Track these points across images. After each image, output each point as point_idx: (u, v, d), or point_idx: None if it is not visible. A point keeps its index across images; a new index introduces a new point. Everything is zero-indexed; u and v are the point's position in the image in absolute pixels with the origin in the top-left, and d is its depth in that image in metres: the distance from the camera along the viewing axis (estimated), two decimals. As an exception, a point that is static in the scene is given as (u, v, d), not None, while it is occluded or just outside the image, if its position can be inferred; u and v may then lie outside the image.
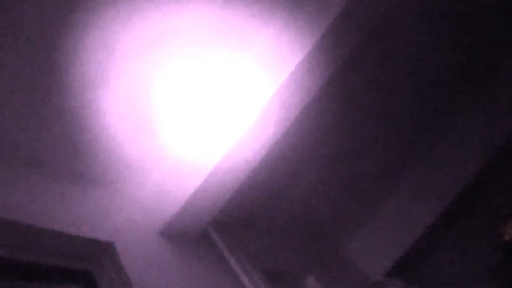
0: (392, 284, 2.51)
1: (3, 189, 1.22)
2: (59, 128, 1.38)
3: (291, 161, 2.03)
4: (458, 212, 2.67)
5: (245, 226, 2.10)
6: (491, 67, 2.61)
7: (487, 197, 2.64)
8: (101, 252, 1.36)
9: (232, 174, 1.61)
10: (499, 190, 2.62)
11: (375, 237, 2.70)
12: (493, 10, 2.33)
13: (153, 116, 1.55)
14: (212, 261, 1.69)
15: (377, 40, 1.93)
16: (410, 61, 2.17)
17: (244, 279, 1.69)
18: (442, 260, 2.69)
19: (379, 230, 2.71)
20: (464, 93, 2.61)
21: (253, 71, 1.57)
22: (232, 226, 2.01)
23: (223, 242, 1.80)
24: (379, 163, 2.51)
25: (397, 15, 1.91)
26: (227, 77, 1.61)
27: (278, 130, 1.62)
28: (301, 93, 1.58)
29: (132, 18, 1.31)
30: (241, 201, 1.97)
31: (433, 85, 2.40)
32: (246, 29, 1.54)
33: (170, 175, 1.63)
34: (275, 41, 1.55)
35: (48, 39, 1.22)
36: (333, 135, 2.12)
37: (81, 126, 1.42)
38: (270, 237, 2.21)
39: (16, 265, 1.19)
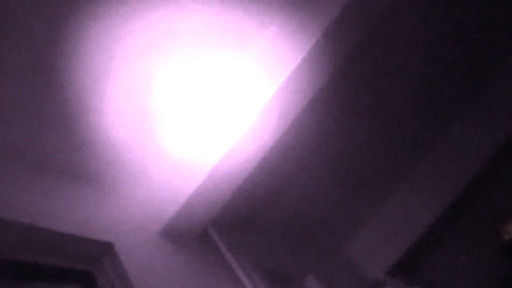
0: (392, 282, 2.51)
1: (3, 189, 1.22)
2: (58, 128, 1.38)
3: (291, 161, 2.03)
4: (458, 212, 2.67)
5: (245, 226, 2.09)
6: (491, 66, 2.61)
7: (487, 197, 2.64)
8: (101, 252, 1.36)
9: (232, 174, 1.61)
10: (499, 190, 2.62)
11: (375, 237, 2.70)
12: (493, 9, 2.33)
13: (153, 116, 1.55)
14: (212, 261, 1.69)
15: (377, 40, 1.92)
16: (411, 61, 2.17)
17: (244, 279, 1.69)
18: (442, 260, 2.69)
19: (379, 230, 2.71)
20: (464, 93, 2.61)
21: (253, 71, 1.57)
22: (232, 226, 2.01)
23: (223, 242, 1.79)
24: (379, 163, 2.51)
25: (397, 15, 1.91)
26: (227, 77, 1.61)
27: (278, 130, 1.62)
28: (301, 93, 1.58)
29: (132, 18, 1.31)
30: (241, 201, 1.97)
31: (433, 85, 2.40)
32: (246, 29, 1.54)
33: (170, 175, 1.63)
34: (275, 41, 1.55)
35: (48, 41, 1.22)
36: (333, 135, 2.12)
37: (81, 126, 1.42)
38: (270, 237, 2.21)
39: (16, 265, 1.19)
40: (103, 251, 1.36)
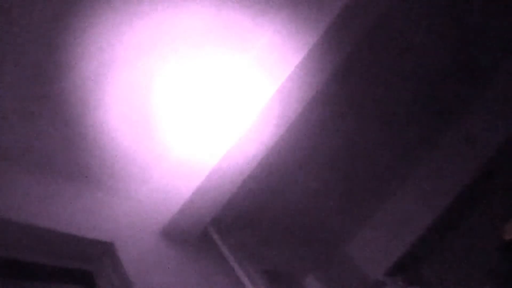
0: (392, 283, 2.51)
1: (3, 189, 1.22)
2: (59, 128, 1.38)
3: (291, 161, 2.03)
4: (458, 212, 2.67)
5: (245, 226, 2.09)
6: (491, 67, 2.61)
7: (487, 197, 2.64)
8: (101, 252, 1.36)
9: (232, 174, 1.61)
10: (499, 190, 2.62)
11: (375, 237, 2.70)
12: (493, 10, 2.33)
13: (154, 116, 1.55)
14: (212, 261, 1.69)
15: (377, 40, 1.92)
16: (411, 61, 2.17)
17: (244, 279, 1.69)
18: (442, 260, 2.69)
19: (379, 230, 2.71)
20: (464, 94, 2.61)
21: (253, 71, 1.57)
22: (232, 226, 2.01)
23: (223, 242, 1.80)
24: (379, 163, 2.51)
25: (397, 16, 1.91)
26: (227, 78, 1.61)
27: (278, 130, 1.62)
28: (301, 93, 1.58)
29: (132, 19, 1.31)
30: (241, 201, 1.97)
31: (434, 86, 2.40)
32: (246, 30, 1.54)
33: (170, 175, 1.63)
34: (275, 41, 1.55)
35: (48, 41, 1.22)
36: (332, 135, 2.12)
37: (81, 126, 1.42)
38: (270, 237, 2.21)
39: (16, 265, 1.19)
40: (103, 251, 1.36)
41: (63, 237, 1.25)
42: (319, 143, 2.09)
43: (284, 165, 2.02)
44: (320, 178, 2.27)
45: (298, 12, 1.53)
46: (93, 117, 1.42)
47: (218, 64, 1.57)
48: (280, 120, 1.59)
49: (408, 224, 2.64)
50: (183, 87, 1.55)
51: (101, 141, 1.48)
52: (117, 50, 1.34)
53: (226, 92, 1.60)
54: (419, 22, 2.03)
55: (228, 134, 1.54)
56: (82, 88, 1.35)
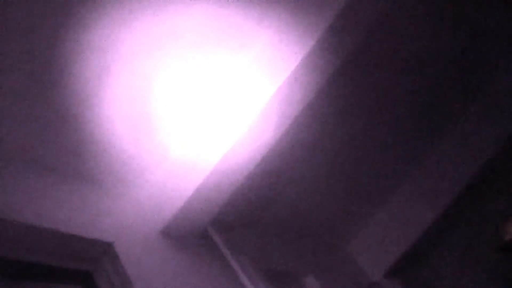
0: (390, 284, 2.51)
1: (3, 189, 1.22)
2: (59, 128, 1.38)
3: (291, 161, 2.03)
4: (458, 212, 2.67)
5: (245, 226, 2.09)
6: (491, 67, 2.61)
7: (487, 197, 2.64)
8: (101, 252, 1.36)
9: (232, 174, 1.61)
10: (498, 190, 2.62)
11: (375, 237, 2.70)
12: (492, 10, 2.33)
13: (153, 116, 1.55)
14: (212, 261, 1.69)
15: (377, 40, 1.92)
16: (411, 61, 2.17)
17: (244, 279, 1.69)
18: (442, 261, 2.69)
19: (378, 231, 2.71)
20: (464, 93, 2.61)
21: (253, 71, 1.57)
22: (232, 226, 2.01)
23: (223, 242, 1.79)
24: (379, 163, 2.51)
25: (396, 15, 1.91)
26: (227, 77, 1.61)
27: (278, 130, 1.62)
28: (301, 93, 1.58)
29: (132, 18, 1.31)
30: (241, 201, 1.97)
31: (434, 85, 2.40)
32: (246, 29, 1.54)
33: (170, 175, 1.63)
34: (275, 41, 1.55)
35: (48, 41, 1.22)
36: (333, 134, 2.12)
37: (81, 126, 1.42)
38: (270, 237, 2.21)
39: (16, 265, 1.19)
40: (103, 251, 1.36)
41: (62, 237, 1.25)
42: (319, 143, 2.09)
43: (284, 165, 2.02)
44: (320, 178, 2.27)
45: (298, 12, 1.53)
46: (93, 117, 1.42)
47: (218, 64, 1.57)
48: (280, 120, 1.59)
49: (408, 224, 2.64)
50: (183, 87, 1.55)
51: (100, 141, 1.48)
52: (117, 51, 1.34)
53: (226, 92, 1.60)
54: (420, 21, 2.03)
55: (228, 134, 1.54)
56: (83, 88, 1.35)
